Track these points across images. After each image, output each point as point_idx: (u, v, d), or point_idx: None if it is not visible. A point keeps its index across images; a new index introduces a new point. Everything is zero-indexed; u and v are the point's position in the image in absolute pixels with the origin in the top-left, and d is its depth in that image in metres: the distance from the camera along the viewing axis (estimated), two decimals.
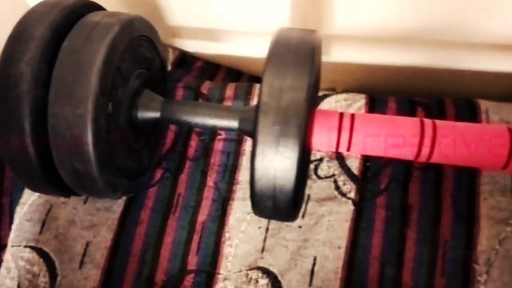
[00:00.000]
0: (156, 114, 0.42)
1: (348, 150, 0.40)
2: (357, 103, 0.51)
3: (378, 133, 0.39)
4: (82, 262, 0.47)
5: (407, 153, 0.38)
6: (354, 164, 0.48)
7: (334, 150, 0.40)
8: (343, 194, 0.47)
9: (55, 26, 0.37)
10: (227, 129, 0.40)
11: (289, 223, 0.47)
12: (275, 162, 0.34)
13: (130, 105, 0.41)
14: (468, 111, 0.49)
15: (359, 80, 0.61)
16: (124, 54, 0.39)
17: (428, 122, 0.38)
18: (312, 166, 0.49)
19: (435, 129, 0.38)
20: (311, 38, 0.35)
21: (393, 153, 0.39)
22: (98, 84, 0.34)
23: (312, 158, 0.49)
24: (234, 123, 0.40)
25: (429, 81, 0.55)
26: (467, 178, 0.46)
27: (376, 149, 0.39)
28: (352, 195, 0.47)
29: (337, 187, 0.47)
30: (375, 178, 0.47)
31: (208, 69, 0.63)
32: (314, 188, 0.48)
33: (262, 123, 0.33)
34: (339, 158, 0.49)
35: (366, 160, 0.48)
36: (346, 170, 0.48)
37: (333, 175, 0.48)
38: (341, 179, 0.48)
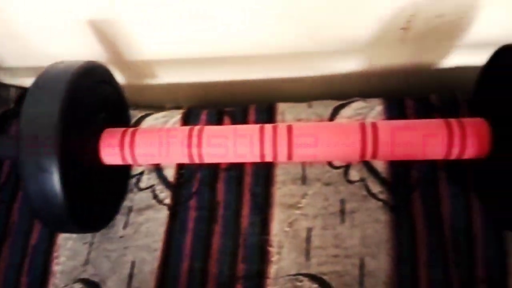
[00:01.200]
0: None
1: (134, 162, 0.45)
2: (173, 119, 0.56)
3: (154, 143, 0.44)
4: None
5: (180, 158, 0.44)
6: (170, 173, 0.53)
7: (122, 163, 0.45)
8: (160, 201, 0.52)
9: None
10: (9, 158, 0.44)
11: (111, 235, 0.51)
12: (41, 180, 0.38)
13: None
14: (267, 114, 0.55)
15: (196, 96, 0.67)
16: None
17: (196, 128, 0.44)
18: (134, 180, 0.54)
19: (200, 134, 0.44)
20: (70, 69, 0.41)
21: (168, 160, 0.45)
22: None
23: (134, 172, 0.54)
24: (12, 151, 0.44)
25: (240, 92, 0.62)
26: (264, 171, 0.52)
27: (155, 158, 0.45)
28: (167, 201, 0.52)
29: (155, 196, 0.52)
30: (188, 183, 0.53)
31: None
32: (136, 199, 0.53)
33: (21, 147, 0.38)
34: (157, 169, 0.54)
35: (180, 168, 0.53)
36: (163, 179, 0.53)
37: (152, 185, 0.53)
38: (159, 188, 0.53)
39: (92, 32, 0.54)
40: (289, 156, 0.43)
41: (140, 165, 0.53)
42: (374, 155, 0.42)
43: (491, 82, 0.43)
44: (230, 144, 0.43)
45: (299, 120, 0.55)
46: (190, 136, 0.43)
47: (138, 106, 0.60)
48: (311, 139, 0.42)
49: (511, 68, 0.39)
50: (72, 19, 0.53)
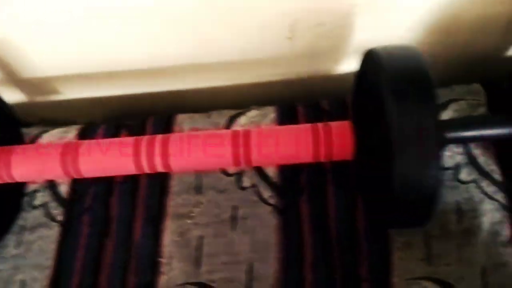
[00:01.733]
0: None
1: (12, 180, 0.44)
2: (69, 134, 0.56)
3: (30, 160, 0.44)
4: None
5: (57, 174, 0.44)
6: (63, 189, 0.53)
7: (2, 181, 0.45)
8: (52, 219, 0.51)
9: None
10: None
11: (4, 255, 0.50)
12: None
13: None
14: (165, 126, 0.56)
15: (102, 111, 0.67)
16: None
17: (71, 143, 0.44)
18: (27, 198, 0.53)
19: (76, 149, 0.43)
20: None
21: (46, 176, 0.44)
22: None
23: (28, 190, 0.53)
24: None
25: (139, 104, 0.62)
26: (159, 183, 0.52)
27: (32, 175, 0.44)
28: (60, 218, 0.51)
29: (48, 213, 0.52)
30: (81, 199, 0.52)
31: None
32: (28, 218, 0.52)
33: None
34: (52, 186, 0.53)
35: (74, 183, 0.53)
36: (57, 196, 0.53)
37: (46, 202, 0.52)
38: (52, 205, 0.52)
39: None
40: (166, 167, 0.43)
41: (23, 182, 0.53)
42: (248, 161, 0.42)
43: (359, 87, 0.45)
44: (104, 158, 0.43)
45: (196, 129, 0.55)
46: (64, 151, 0.43)
47: (49, 123, 0.60)
48: (185, 149, 0.43)
49: (369, 72, 0.41)
50: None
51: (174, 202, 0.51)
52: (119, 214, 0.51)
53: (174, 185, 0.52)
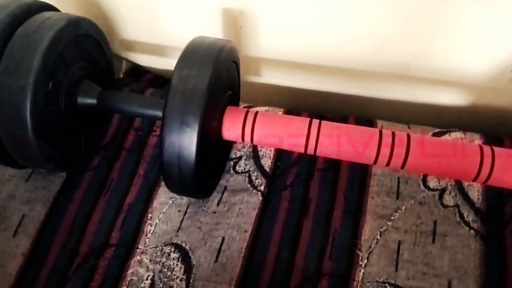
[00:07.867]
0: (93, 101, 0.49)
1: (251, 141, 0.47)
2: None
3: (274, 127, 0.46)
4: (16, 232, 0.52)
5: (296, 146, 0.46)
6: (266, 163, 0.55)
7: (241, 141, 0.48)
8: (255, 187, 0.54)
9: (13, 16, 0.44)
10: (153, 117, 0.47)
11: (205, 208, 0.53)
12: (179, 135, 0.41)
13: (71, 90, 0.48)
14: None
15: (293, 102, 0.70)
16: (68, 45, 0.46)
17: (315, 121, 0.46)
18: (231, 163, 0.56)
19: (319, 127, 0.46)
20: (219, 43, 0.44)
21: (283, 146, 0.47)
22: (40, 62, 0.42)
23: (233, 156, 0.57)
24: (158, 112, 0.47)
25: (338, 103, 0.64)
26: (359, 179, 0.53)
27: (271, 142, 0.47)
28: (262, 188, 0.54)
29: (250, 181, 0.54)
30: (283, 175, 0.54)
31: (157, 82, 0.71)
32: (231, 181, 0.55)
33: (170, 101, 0.40)
34: (255, 157, 0.56)
35: (277, 159, 0.56)
36: (260, 167, 0.55)
37: (248, 171, 0.55)
38: (255, 174, 0.55)
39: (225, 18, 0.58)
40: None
41: (254, 145, 0.56)
42: (487, 179, 0.43)
43: None
44: (342, 140, 0.45)
45: None
46: (309, 127, 0.45)
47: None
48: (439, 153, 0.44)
49: None
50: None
51: (374, 201, 0.52)
52: (318, 198, 0.52)
53: (374, 185, 0.53)
